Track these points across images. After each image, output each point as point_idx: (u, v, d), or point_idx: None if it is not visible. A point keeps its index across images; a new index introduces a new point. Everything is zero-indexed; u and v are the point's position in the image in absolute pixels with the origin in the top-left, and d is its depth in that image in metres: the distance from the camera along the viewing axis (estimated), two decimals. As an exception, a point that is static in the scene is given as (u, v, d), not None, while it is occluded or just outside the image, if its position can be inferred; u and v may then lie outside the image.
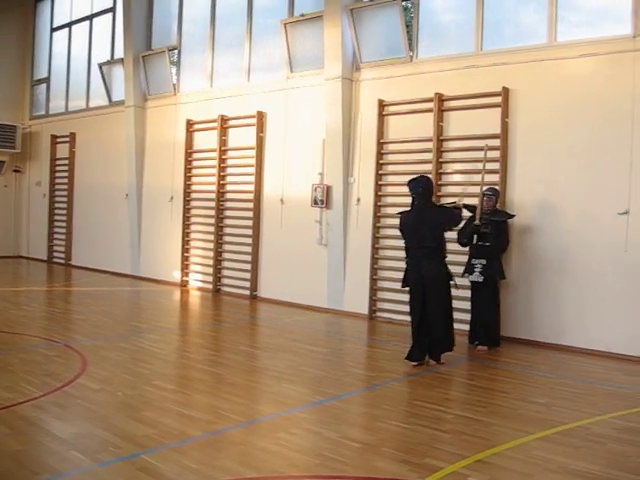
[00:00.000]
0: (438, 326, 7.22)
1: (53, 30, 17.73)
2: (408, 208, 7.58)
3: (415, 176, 7.45)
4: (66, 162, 16.74)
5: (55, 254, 17.09)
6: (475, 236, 8.35)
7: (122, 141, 14.70)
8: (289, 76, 11.61)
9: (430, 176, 7.94)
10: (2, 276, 14.51)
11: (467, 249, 8.57)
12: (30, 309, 10.30)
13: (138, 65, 14.27)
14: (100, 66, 15.47)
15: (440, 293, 7.25)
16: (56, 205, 17.19)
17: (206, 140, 13.06)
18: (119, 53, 14.98)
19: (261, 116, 11.99)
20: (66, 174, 16.76)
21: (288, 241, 11.44)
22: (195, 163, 13.46)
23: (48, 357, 7.14)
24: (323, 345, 8.50)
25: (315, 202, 10.87)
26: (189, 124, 13.35)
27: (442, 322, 7.23)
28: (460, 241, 8.49)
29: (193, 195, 13.40)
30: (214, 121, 12.76)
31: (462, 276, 8.37)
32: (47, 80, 17.85)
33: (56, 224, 17.12)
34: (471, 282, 8.40)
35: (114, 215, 15.03)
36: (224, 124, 12.70)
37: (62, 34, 17.36)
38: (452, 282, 7.48)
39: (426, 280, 7.16)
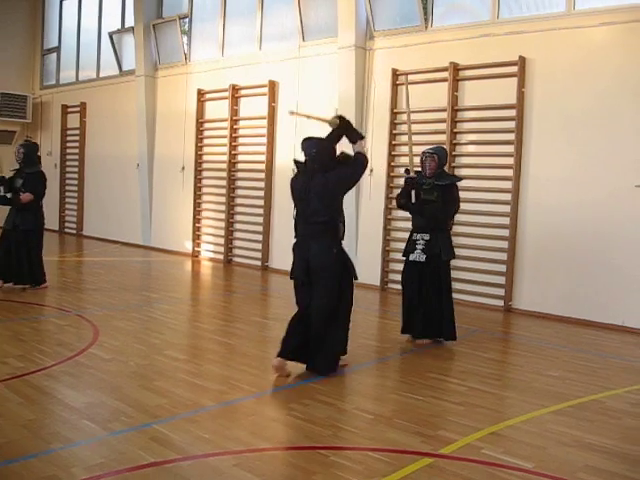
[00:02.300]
0: (317, 328, 5.57)
1: (63, -2, 17.59)
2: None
3: (311, 136, 5.73)
4: (77, 132, 16.68)
5: (66, 224, 17.10)
6: (413, 193, 6.80)
7: (133, 111, 14.61)
8: (301, 45, 11.45)
9: (330, 139, 5.78)
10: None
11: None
12: (42, 279, 10.30)
13: (149, 34, 14.12)
14: (110, 35, 15.33)
15: (328, 285, 5.55)
16: (67, 175, 17.17)
17: (217, 110, 12.95)
18: (130, 22, 14.83)
19: (273, 85, 11.86)
20: (77, 144, 16.71)
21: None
22: (206, 133, 13.37)
23: (60, 326, 7.14)
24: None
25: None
26: (200, 94, 13.24)
27: (323, 324, 5.56)
28: (398, 202, 7.08)
29: (204, 165, 13.33)
30: (225, 90, 12.64)
31: (403, 256, 7.05)
32: (57, 49, 17.73)
33: (67, 194, 17.11)
34: (410, 263, 6.93)
35: (125, 185, 14.99)
36: (235, 94, 12.58)
37: (72, 3, 17.19)
38: (350, 272, 5.78)
39: (312, 265, 5.56)
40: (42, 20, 18.14)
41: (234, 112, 12.59)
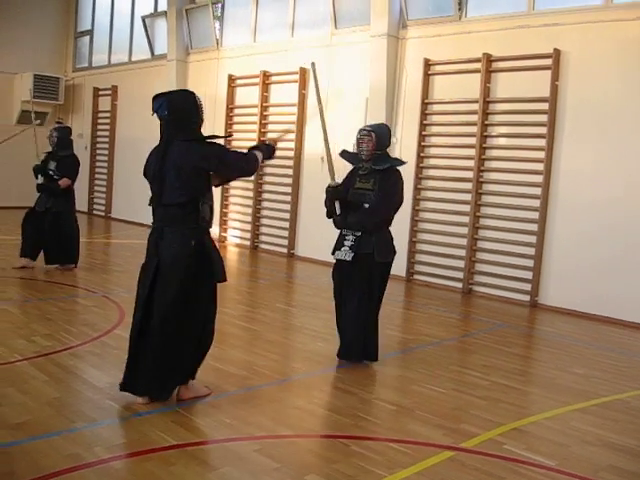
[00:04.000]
0: (159, 336, 4.31)
1: (97, -19, 17.67)
2: None
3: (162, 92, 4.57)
4: (108, 115, 16.79)
5: (95, 206, 17.25)
6: (337, 205, 5.63)
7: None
8: (333, 32, 11.40)
9: (191, 92, 4.56)
10: (44, 226, 14.68)
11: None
12: (70, 259, 10.41)
13: (181, 18, 14.15)
14: (143, 19, 15.38)
15: (175, 285, 4.28)
16: (97, 158, 17.30)
17: (248, 96, 12.95)
18: (162, 6, 14.86)
19: (304, 72, 11.83)
20: (108, 127, 16.83)
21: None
22: (236, 119, 13.39)
23: (86, 307, 7.22)
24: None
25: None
26: (231, 79, 13.24)
27: (166, 335, 4.30)
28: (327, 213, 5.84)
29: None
30: (256, 77, 12.64)
31: (332, 254, 5.84)
32: (90, 32, 17.83)
33: (97, 177, 17.25)
34: (337, 262, 5.77)
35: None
36: (266, 80, 12.57)
37: (106, -15, 17.28)
38: (213, 274, 4.46)
39: (162, 261, 4.34)
40: (76, 3, 18.24)
41: (264, 98, 12.58)
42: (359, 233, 5.57)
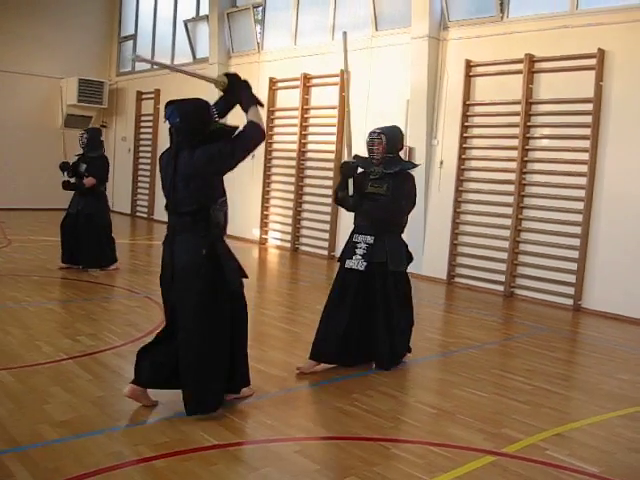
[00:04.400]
0: (185, 358, 4.24)
1: (141, -14, 17.94)
2: None
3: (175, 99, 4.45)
4: (151, 118, 17.02)
5: (138, 208, 17.49)
6: (351, 182, 5.39)
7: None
8: (374, 34, 11.39)
9: (205, 101, 4.47)
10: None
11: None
12: (114, 261, 10.58)
13: (223, 22, 14.28)
14: (185, 23, 15.56)
15: (193, 296, 4.22)
16: (140, 160, 17.55)
17: (288, 99, 13.01)
18: (204, 10, 15.01)
19: (344, 75, 11.81)
20: (150, 130, 17.06)
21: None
22: (277, 122, 13.45)
23: (129, 307, 7.33)
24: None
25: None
26: (272, 82, 13.32)
27: (192, 354, 4.22)
28: (335, 197, 5.67)
29: (274, 154, 13.43)
30: (297, 79, 12.68)
31: (338, 261, 5.66)
32: (134, 37, 18.10)
33: (140, 179, 17.49)
34: (346, 271, 5.48)
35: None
36: (307, 83, 12.61)
37: (149, -10, 17.54)
38: (229, 282, 4.35)
39: (175, 271, 4.30)
40: (119, 8, 18.54)
41: (305, 101, 12.62)
42: (371, 240, 5.37)
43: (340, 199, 5.50)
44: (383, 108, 11.10)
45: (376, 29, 11.33)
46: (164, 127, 15.95)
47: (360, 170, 5.55)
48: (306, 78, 12.57)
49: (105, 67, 18.58)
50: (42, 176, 15.50)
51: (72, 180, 9.23)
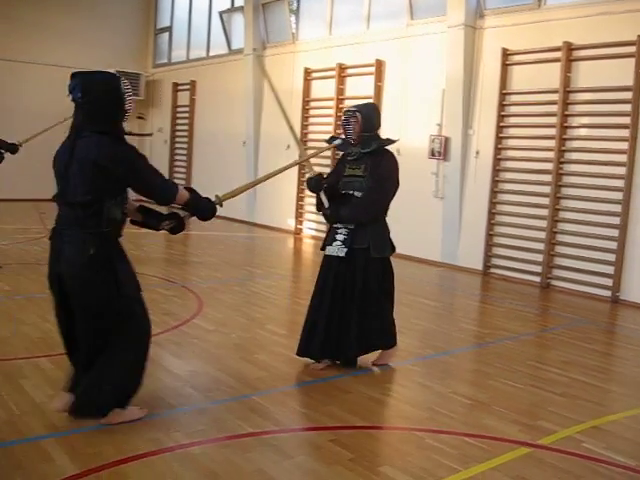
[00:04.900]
0: (85, 356, 3.82)
1: (176, -22, 18.04)
2: None
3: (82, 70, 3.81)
4: (187, 109, 17.14)
5: (175, 199, 17.64)
6: (323, 197, 5.10)
7: (241, 89, 14.86)
8: (409, 23, 11.31)
9: (116, 76, 3.91)
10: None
11: None
12: (150, 250, 10.70)
13: (258, 13, 14.30)
14: (220, 14, 15.63)
15: (88, 302, 3.68)
16: (176, 152, 17.69)
17: (324, 89, 12.99)
18: (239, 1, 15.05)
19: (380, 65, 11.78)
20: (186, 121, 17.18)
21: (403, 193, 11.25)
22: (312, 112, 13.45)
23: (166, 297, 7.41)
24: (435, 299, 8.39)
25: (432, 154, 10.64)
26: (307, 72, 13.31)
27: (90, 352, 3.80)
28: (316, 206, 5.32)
29: (310, 144, 13.43)
30: (332, 69, 12.66)
31: (321, 250, 5.32)
32: (169, 29, 18.22)
33: (176, 170, 17.64)
34: (327, 258, 5.19)
35: (232, 161, 15.30)
36: (342, 73, 12.58)
37: (185, -18, 17.63)
38: (118, 286, 3.75)
39: (63, 274, 3.67)
40: (155, 1, 18.67)
41: (340, 91, 12.60)
42: (352, 226, 5.02)
43: (323, 214, 5.20)
44: (418, 98, 11.04)
45: (411, 18, 11.25)
46: (201, 118, 16.18)
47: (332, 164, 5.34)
48: (341, 68, 12.54)
49: (142, 59, 18.74)
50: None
51: None
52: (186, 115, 17.20)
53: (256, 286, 8.28)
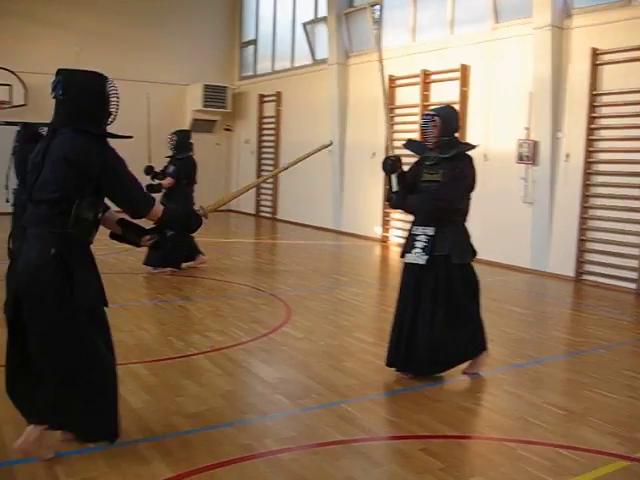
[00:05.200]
0: (44, 379, 3.43)
1: (260, -8, 18.40)
2: None
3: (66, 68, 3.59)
4: (272, 120, 17.39)
5: (262, 208, 17.93)
6: (394, 178, 5.10)
7: (325, 98, 14.98)
8: (494, 27, 11.14)
9: (102, 76, 3.61)
10: (214, 228, 15.41)
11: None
12: (239, 259, 10.93)
13: (341, 23, 14.41)
14: (304, 25, 15.83)
15: (39, 310, 3.33)
16: (263, 162, 17.96)
17: (408, 96, 12.94)
18: (322, 11, 15.20)
19: (465, 69, 11.65)
20: (272, 132, 17.43)
21: (490, 198, 11.12)
22: (397, 119, 13.43)
23: (255, 305, 7.54)
24: (525, 306, 8.21)
25: (520, 158, 10.44)
26: (391, 80, 13.30)
27: (52, 378, 3.41)
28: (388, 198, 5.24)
29: (396, 151, 13.29)
30: (416, 76, 12.60)
31: (401, 257, 5.24)
32: (254, 42, 18.57)
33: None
34: (407, 266, 5.10)
35: (318, 171, 15.41)
36: (426, 79, 12.50)
37: (268, -5, 17.96)
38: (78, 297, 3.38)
39: (18, 272, 3.38)
40: (240, 15, 19.07)
41: (424, 97, 12.52)
42: (431, 232, 4.92)
43: (390, 202, 5.14)
44: (505, 102, 10.85)
45: (496, 21, 11.08)
46: (285, 128, 16.40)
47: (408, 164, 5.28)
48: (425, 74, 12.47)
49: (228, 72, 19.14)
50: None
51: (155, 182, 9.24)
52: (272, 126, 17.46)
53: (343, 294, 8.32)
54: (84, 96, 3.45)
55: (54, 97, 3.47)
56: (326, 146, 5.49)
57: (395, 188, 5.05)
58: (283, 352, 5.70)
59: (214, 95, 17.90)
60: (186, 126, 17.70)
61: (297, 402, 4.49)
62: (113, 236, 3.83)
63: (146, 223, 3.71)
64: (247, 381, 4.99)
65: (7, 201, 7.49)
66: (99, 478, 3.34)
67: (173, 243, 8.91)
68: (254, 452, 3.69)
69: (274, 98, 17.22)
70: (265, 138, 17.89)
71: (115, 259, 9.71)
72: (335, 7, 14.35)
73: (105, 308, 3.66)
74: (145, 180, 9.32)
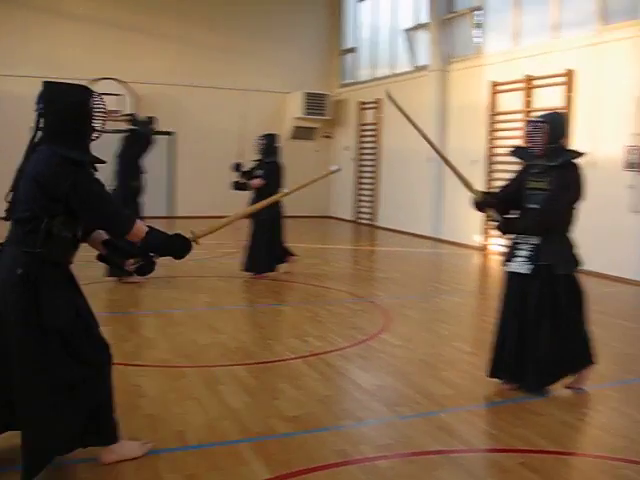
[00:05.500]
0: (30, 419, 3.29)
1: (359, 0, 18.45)
2: None
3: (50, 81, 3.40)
4: (373, 127, 17.41)
5: (360, 215, 17.97)
6: (493, 213, 4.96)
7: (426, 105, 14.87)
8: (601, 29, 10.76)
9: (87, 90, 3.40)
10: (312, 234, 15.62)
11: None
12: (337, 265, 11.00)
13: (442, 28, 14.29)
14: (405, 32, 15.79)
15: (12, 338, 3.26)
16: (362, 169, 18.00)
17: (510, 101, 12.69)
18: (423, 17, 15.12)
19: (570, 74, 11.30)
20: (372, 139, 17.45)
21: (594, 207, 10.70)
22: (498, 126, 13.17)
23: (353, 311, 7.56)
24: (634, 320, 7.86)
25: (629, 165, 10.03)
26: (493, 86, 13.07)
27: (39, 414, 3.27)
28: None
29: (497, 158, 13.15)
30: (519, 82, 12.32)
31: (504, 266, 5.05)
32: (354, 49, 18.67)
33: (362, 186, 17.96)
34: (510, 275, 4.96)
35: (417, 178, 15.32)
36: (529, 84, 12.21)
37: (368, 3, 17.97)
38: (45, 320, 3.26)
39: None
40: (339, 22, 19.22)
41: (527, 103, 12.23)
42: (536, 241, 4.75)
43: (497, 228, 4.97)
44: (612, 107, 10.46)
45: (603, 23, 10.71)
46: (385, 135, 16.38)
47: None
48: (528, 79, 12.18)
49: (327, 80, 19.31)
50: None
51: (241, 180, 9.29)
52: (372, 133, 17.48)
53: (442, 302, 8.22)
54: (65, 111, 3.29)
55: (35, 110, 3.33)
56: (333, 172, 5.92)
57: (498, 218, 4.93)
58: (381, 359, 5.69)
59: (314, 103, 18.10)
60: (286, 134, 18.01)
61: (394, 409, 4.48)
62: (100, 258, 3.70)
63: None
64: (344, 387, 5.01)
65: None
66: (199, 476, 3.44)
67: (266, 248, 9.16)
68: (350, 458, 3.70)
69: (374, 105, 17.24)
70: (364, 145, 17.93)
71: (218, 262, 9.97)
72: (436, 13, 14.25)
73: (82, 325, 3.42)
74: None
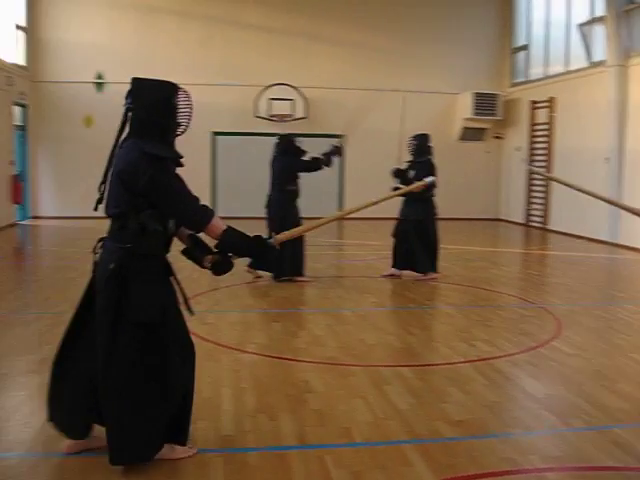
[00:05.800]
0: (112, 407, 3.43)
1: (533, -4, 17.92)
2: None
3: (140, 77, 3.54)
4: (545, 127, 16.80)
5: (531, 217, 17.40)
6: None
7: (603, 103, 14.14)
8: None
9: (174, 86, 3.46)
10: (482, 237, 15.35)
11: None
12: (508, 269, 10.75)
13: (620, 21, 13.51)
14: (580, 27, 15.11)
15: (103, 317, 3.42)
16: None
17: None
18: (599, 11, 14.37)
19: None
20: (545, 138, 16.84)
21: None
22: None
23: (523, 316, 7.36)
24: None
25: None
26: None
27: (111, 399, 3.41)
28: None
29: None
30: None
31: None
32: (526, 47, 18.10)
33: (534, 188, 17.38)
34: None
35: (593, 179, 14.57)
36: None
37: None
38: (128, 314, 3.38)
39: (97, 285, 3.49)
40: (510, 20, 18.71)
41: None
42: None
43: None
44: None
45: None
46: (559, 135, 15.81)
47: None
48: None
49: (498, 79, 18.87)
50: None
51: (399, 186, 9.01)
52: (544, 132, 16.86)
53: (620, 311, 7.78)
54: (152, 106, 3.39)
55: (124, 106, 3.44)
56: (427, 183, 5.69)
57: None
58: (552, 367, 5.50)
59: (484, 103, 17.82)
60: (455, 135, 17.85)
61: (565, 420, 4.32)
62: (184, 251, 3.69)
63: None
64: (513, 394, 4.90)
65: None
66: (365, 473, 3.52)
67: (428, 249, 9.11)
68: (518, 467, 3.62)
69: (547, 104, 16.63)
70: (537, 145, 17.33)
71: (385, 263, 10.03)
72: (614, 5, 13.49)
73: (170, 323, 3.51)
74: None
